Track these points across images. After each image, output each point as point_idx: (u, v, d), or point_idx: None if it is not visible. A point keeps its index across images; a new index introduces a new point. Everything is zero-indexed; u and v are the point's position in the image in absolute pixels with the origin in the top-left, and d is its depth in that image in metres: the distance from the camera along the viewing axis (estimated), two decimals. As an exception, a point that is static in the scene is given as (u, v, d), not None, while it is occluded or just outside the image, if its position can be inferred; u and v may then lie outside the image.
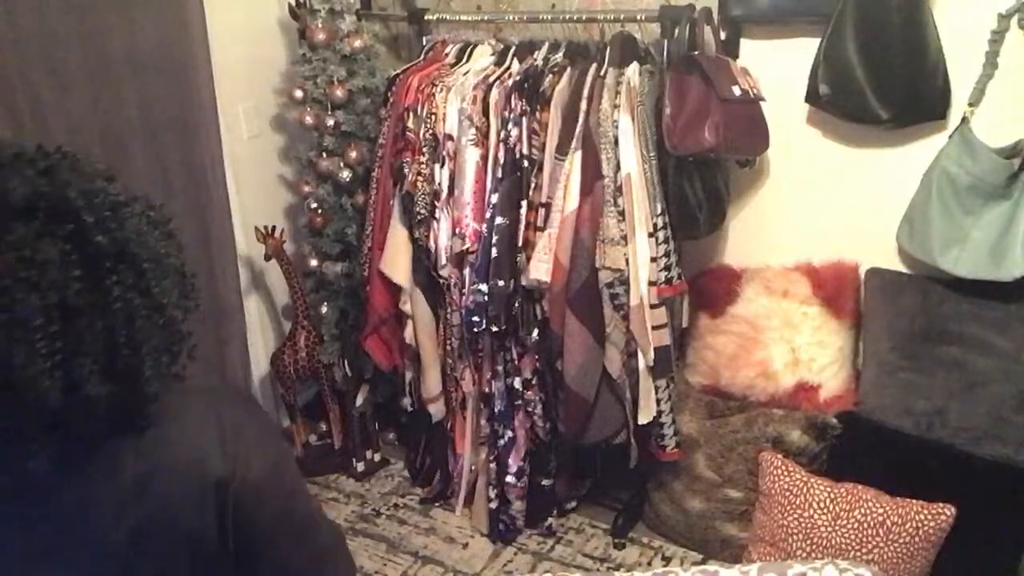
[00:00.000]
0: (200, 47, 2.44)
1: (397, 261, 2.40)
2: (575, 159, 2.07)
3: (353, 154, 2.54)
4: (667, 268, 2.12)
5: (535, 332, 2.22)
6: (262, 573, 0.97)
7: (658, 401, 2.20)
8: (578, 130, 2.07)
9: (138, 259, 0.82)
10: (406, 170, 2.33)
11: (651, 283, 2.10)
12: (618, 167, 2.07)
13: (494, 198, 2.20)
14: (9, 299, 0.73)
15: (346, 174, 2.55)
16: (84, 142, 2.15)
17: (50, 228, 0.76)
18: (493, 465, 2.47)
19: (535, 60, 2.25)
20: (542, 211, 2.14)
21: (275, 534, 0.96)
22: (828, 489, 2.06)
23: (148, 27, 2.30)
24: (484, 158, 2.23)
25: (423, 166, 2.30)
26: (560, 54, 2.24)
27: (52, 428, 0.79)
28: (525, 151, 2.17)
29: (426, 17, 2.50)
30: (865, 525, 1.99)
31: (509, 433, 2.39)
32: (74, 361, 0.77)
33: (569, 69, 2.17)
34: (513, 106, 2.16)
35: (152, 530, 0.88)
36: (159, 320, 0.85)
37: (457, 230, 2.27)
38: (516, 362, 2.30)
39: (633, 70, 2.09)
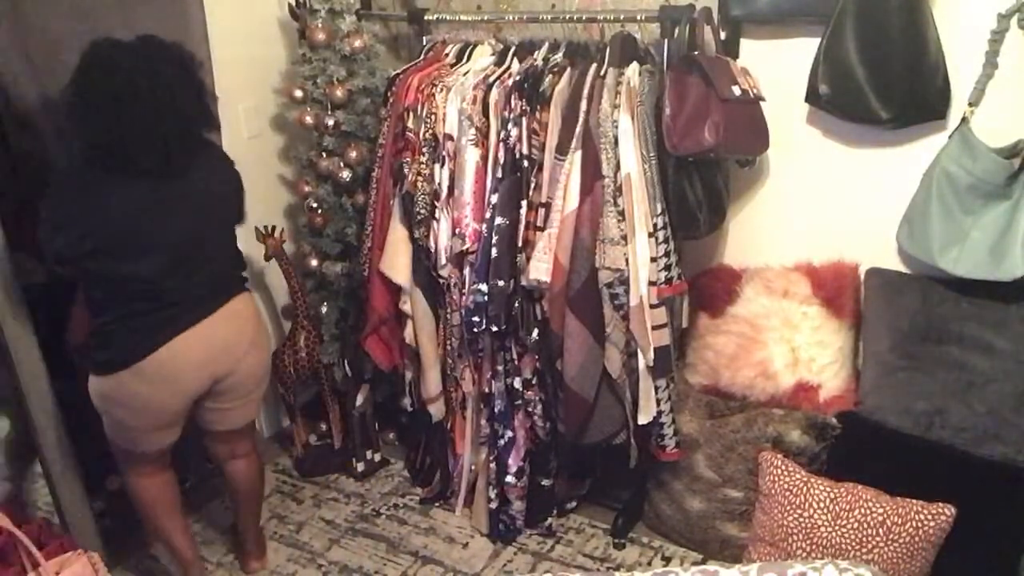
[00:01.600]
0: (201, 49, 2.44)
1: (397, 261, 2.41)
2: (575, 159, 2.07)
3: (353, 154, 2.54)
4: (667, 268, 2.12)
5: (535, 332, 2.22)
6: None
7: (658, 401, 2.21)
8: (578, 130, 2.07)
9: (203, 84, 1.92)
10: (406, 170, 2.33)
11: (651, 283, 2.10)
12: (618, 167, 2.07)
13: (494, 198, 2.20)
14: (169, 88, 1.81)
15: (346, 174, 2.56)
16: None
17: (172, 67, 1.84)
18: (493, 465, 2.47)
19: (535, 60, 2.25)
20: (542, 211, 2.14)
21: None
22: (828, 489, 2.06)
23: (149, 28, 2.30)
24: (484, 158, 2.23)
25: (423, 166, 2.30)
26: (560, 54, 2.25)
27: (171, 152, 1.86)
28: (525, 151, 2.17)
29: (426, 17, 2.50)
30: (865, 525, 1.99)
31: (509, 433, 2.39)
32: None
33: (569, 69, 2.17)
34: (513, 106, 2.16)
35: (217, 199, 2.02)
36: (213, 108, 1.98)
37: (457, 230, 2.27)
38: (516, 362, 2.30)
39: (633, 70, 2.09)
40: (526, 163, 2.18)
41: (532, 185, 2.18)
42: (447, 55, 2.43)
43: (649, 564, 2.41)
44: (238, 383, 2.10)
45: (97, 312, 1.92)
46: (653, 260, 2.09)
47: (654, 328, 2.12)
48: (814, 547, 2.05)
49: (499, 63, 2.30)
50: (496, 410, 2.39)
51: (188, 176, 1.90)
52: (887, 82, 2.06)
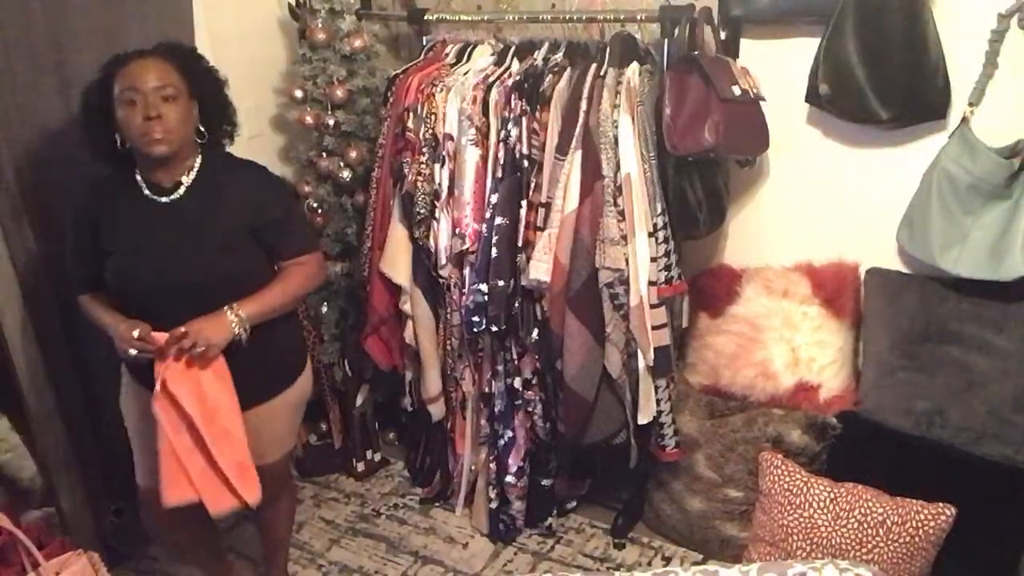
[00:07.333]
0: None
1: (397, 261, 2.41)
2: (575, 159, 2.07)
3: (353, 154, 2.54)
4: (667, 268, 2.12)
5: (535, 332, 2.22)
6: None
7: (658, 401, 2.21)
8: (578, 130, 2.07)
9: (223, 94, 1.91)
10: (406, 170, 2.33)
11: (651, 283, 2.10)
12: (618, 167, 2.07)
13: (494, 198, 2.20)
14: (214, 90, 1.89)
15: (346, 174, 2.56)
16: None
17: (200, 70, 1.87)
18: (493, 465, 2.47)
19: (535, 60, 2.25)
20: (542, 211, 2.14)
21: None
22: (828, 489, 2.06)
23: (138, 28, 2.29)
24: (484, 158, 2.23)
25: (423, 166, 2.30)
26: (560, 54, 2.24)
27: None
28: (525, 151, 2.17)
29: (426, 17, 2.50)
30: (865, 525, 1.99)
31: (509, 433, 2.39)
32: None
33: (569, 69, 2.17)
34: (513, 106, 2.16)
35: (240, 223, 1.80)
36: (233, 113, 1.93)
37: (457, 230, 2.27)
38: (516, 362, 2.30)
39: (633, 70, 2.09)
40: (526, 163, 2.18)
41: (532, 185, 2.18)
42: (447, 55, 2.43)
43: (649, 564, 2.41)
44: None
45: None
46: (653, 260, 2.09)
47: (654, 328, 2.12)
48: (814, 547, 2.05)
49: (499, 63, 2.30)
50: (496, 410, 2.39)
51: None
52: (887, 82, 2.06)
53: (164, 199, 1.78)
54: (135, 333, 1.68)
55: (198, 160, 1.81)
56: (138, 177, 1.79)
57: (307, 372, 2.01)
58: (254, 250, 1.83)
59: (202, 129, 1.81)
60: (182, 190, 1.78)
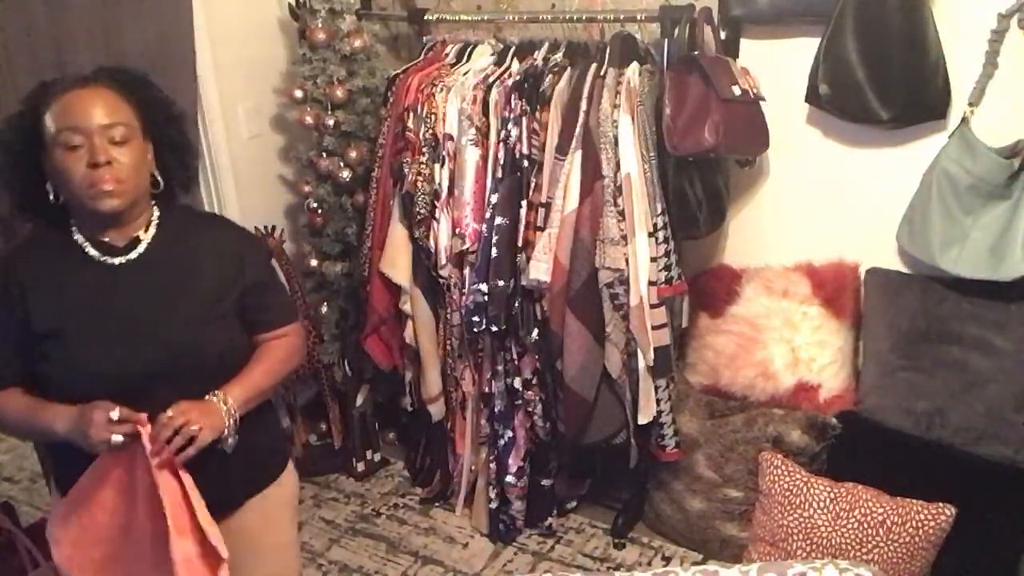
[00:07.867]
0: (187, 51, 2.42)
1: (397, 261, 2.41)
2: (575, 159, 2.07)
3: (353, 154, 2.54)
4: (667, 268, 2.12)
5: (535, 332, 2.22)
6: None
7: (658, 401, 2.21)
8: (578, 130, 2.07)
9: (182, 131, 1.53)
10: (406, 170, 2.33)
11: (651, 283, 2.10)
12: (618, 167, 2.07)
13: (494, 198, 2.20)
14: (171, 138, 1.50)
15: (346, 174, 2.56)
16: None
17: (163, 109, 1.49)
18: (493, 465, 2.47)
19: (535, 60, 2.25)
20: (542, 211, 2.14)
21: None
22: (828, 489, 2.06)
23: (136, 27, 2.28)
24: (484, 158, 2.23)
25: (423, 166, 2.30)
26: (560, 54, 2.25)
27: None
28: (525, 151, 2.17)
29: (426, 17, 2.50)
30: (865, 525, 1.99)
31: (509, 433, 2.39)
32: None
33: (569, 69, 2.17)
34: (513, 106, 2.16)
35: (225, 284, 1.48)
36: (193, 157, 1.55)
37: (457, 230, 2.27)
38: (516, 362, 2.30)
39: (633, 70, 2.09)
40: (526, 163, 2.18)
41: (532, 185, 2.18)
42: (447, 55, 2.43)
43: (649, 564, 2.41)
44: None
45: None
46: (653, 260, 2.09)
47: (654, 328, 2.12)
48: (814, 547, 2.05)
49: (499, 63, 2.30)
50: (496, 410, 2.39)
51: None
52: (887, 82, 2.06)
53: (120, 259, 1.42)
54: (114, 415, 1.30)
55: (155, 213, 1.47)
56: (77, 237, 1.42)
57: (290, 469, 1.66)
58: (237, 321, 1.50)
59: (158, 177, 1.46)
60: (143, 247, 1.43)
